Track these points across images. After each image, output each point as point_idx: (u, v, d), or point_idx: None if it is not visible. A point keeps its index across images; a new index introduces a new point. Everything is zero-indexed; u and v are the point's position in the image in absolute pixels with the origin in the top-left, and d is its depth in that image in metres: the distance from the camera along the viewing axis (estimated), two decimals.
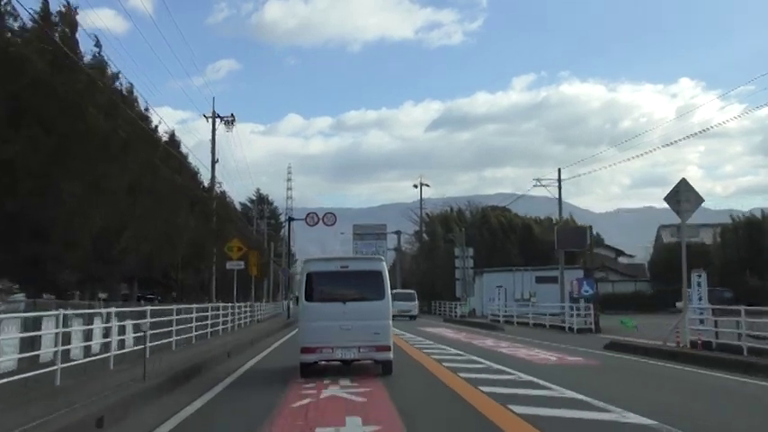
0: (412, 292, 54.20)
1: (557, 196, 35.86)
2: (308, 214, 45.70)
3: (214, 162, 38.41)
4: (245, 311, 38.86)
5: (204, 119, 38.81)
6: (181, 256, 32.00)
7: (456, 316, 54.27)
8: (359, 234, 71.78)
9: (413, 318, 47.95)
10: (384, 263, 14.99)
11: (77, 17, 17.52)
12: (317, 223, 45.38)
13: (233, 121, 39.40)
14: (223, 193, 45.92)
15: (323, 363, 13.97)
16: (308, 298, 14.08)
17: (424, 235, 71.34)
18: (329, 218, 45.26)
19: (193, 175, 39.55)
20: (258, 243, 75.89)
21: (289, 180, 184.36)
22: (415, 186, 79.07)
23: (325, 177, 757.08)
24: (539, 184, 35.68)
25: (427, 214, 70.44)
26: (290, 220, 47.06)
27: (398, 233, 73.88)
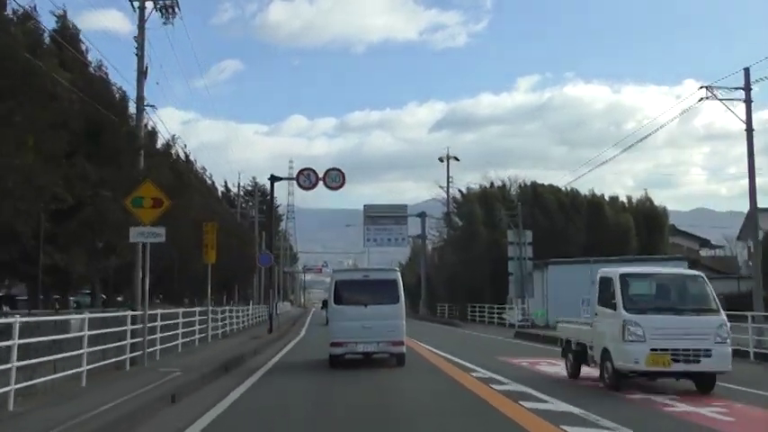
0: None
1: (733, 112, 19.89)
2: (302, 171, 29.81)
3: (142, 70, 22.44)
4: (194, 323, 22.92)
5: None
6: (39, 219, 16.19)
7: (516, 325, 38.36)
8: (371, 217, 55.85)
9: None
10: (399, 273, 18.56)
11: None
12: (314, 185, 29.50)
13: (173, 6, 23.40)
14: (174, 141, 29.92)
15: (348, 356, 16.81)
16: (337, 301, 17.17)
17: (456, 219, 55.40)
18: (334, 177, 29.34)
19: (113, 98, 23.82)
20: (241, 229, 60.29)
21: (291, 178, 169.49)
22: (441, 160, 63.26)
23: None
24: (710, 95, 19.81)
25: (460, 191, 54.70)
26: (274, 179, 31.07)
27: (423, 216, 57.73)
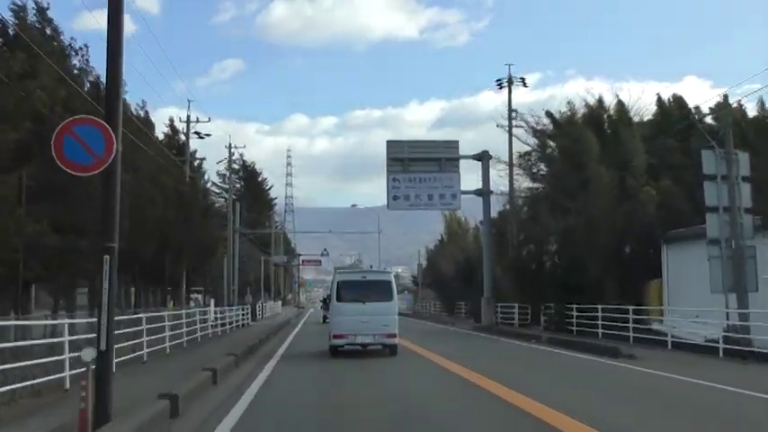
0: None
1: None
2: None
3: None
4: None
5: None
6: None
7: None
8: (399, 160, 33.33)
9: None
10: (392, 275, 22.86)
11: None
12: None
13: None
14: None
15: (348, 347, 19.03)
16: (338, 299, 19.55)
17: (539, 166, 33.23)
18: None
19: None
20: (193, 191, 39.28)
21: (288, 165, 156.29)
22: (500, 85, 41.52)
23: (329, 177, 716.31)
24: None
25: (550, 115, 31.85)
26: None
27: (484, 157, 34.89)
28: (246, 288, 55.74)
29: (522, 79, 40.87)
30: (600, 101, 31.03)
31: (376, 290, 19.46)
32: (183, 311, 24.85)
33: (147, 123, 37.02)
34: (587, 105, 30.92)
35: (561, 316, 30.17)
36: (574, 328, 28.24)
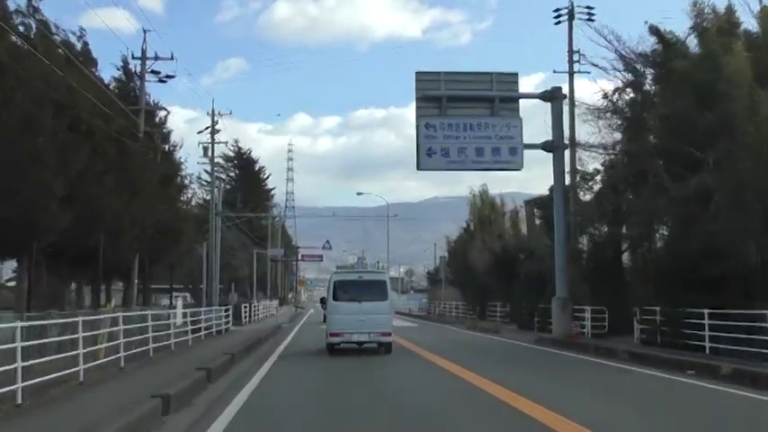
0: None
1: None
2: None
3: None
4: None
5: None
6: None
7: None
8: (433, 99, 22.85)
9: None
10: (387, 274, 25.18)
11: None
12: None
13: None
14: None
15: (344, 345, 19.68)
16: (335, 298, 20.12)
17: (635, 109, 22.96)
18: None
19: None
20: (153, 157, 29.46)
21: (290, 160, 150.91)
22: (558, 20, 31.90)
23: (331, 177, 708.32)
24: None
25: (655, 31, 21.85)
26: None
27: (555, 96, 23.46)
28: (231, 285, 45.82)
29: (589, 9, 31.03)
30: (730, 8, 21.03)
31: (371, 289, 20.08)
32: (103, 316, 14.95)
33: (86, 60, 27.10)
34: (713, 14, 20.88)
35: (676, 326, 20.24)
36: (706, 344, 18.37)
